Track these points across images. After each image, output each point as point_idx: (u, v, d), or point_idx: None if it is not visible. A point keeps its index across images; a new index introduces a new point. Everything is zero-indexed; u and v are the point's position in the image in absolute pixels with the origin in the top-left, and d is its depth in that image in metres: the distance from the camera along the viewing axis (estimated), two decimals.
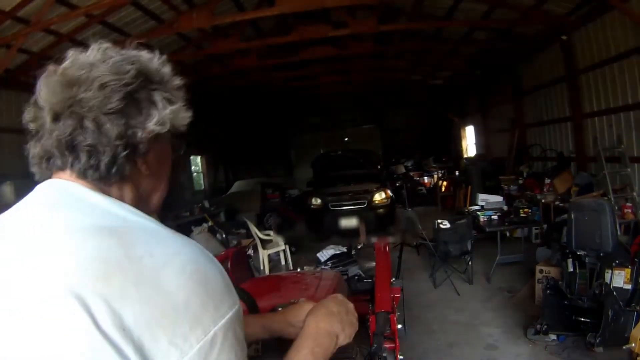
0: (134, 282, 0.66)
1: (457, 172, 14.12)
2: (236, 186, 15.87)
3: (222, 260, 3.78)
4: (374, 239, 3.77)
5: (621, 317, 3.85)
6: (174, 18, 8.04)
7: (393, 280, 3.07)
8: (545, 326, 4.26)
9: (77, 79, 0.76)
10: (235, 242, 10.36)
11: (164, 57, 0.87)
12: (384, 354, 2.56)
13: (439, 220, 6.75)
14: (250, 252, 8.18)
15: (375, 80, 14.58)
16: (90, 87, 0.75)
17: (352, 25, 7.98)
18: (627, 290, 4.06)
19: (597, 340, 3.86)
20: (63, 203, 0.75)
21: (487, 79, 12.13)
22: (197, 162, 17.16)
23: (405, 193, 11.92)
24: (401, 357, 2.77)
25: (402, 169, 17.02)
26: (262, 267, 8.02)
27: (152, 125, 0.78)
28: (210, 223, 10.53)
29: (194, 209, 10.93)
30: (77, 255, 0.67)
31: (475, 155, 14.39)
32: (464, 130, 16.49)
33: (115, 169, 0.76)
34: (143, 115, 0.78)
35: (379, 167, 12.71)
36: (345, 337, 1.02)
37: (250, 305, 1.54)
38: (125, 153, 0.76)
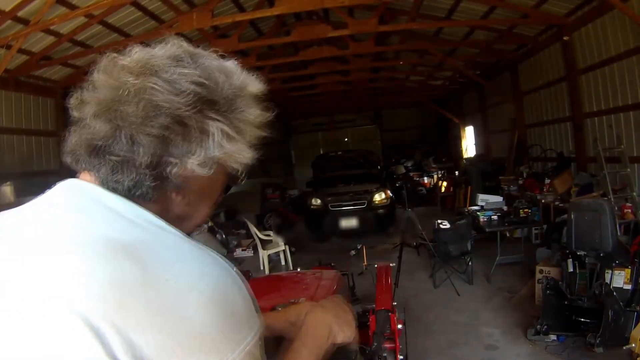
0: (154, 310, 0.59)
1: (457, 173, 14.11)
2: (236, 186, 15.84)
3: None
4: (375, 265, 3.78)
5: (621, 317, 3.85)
6: (173, 18, 8.04)
7: (395, 305, 3.07)
8: (545, 326, 4.27)
9: (126, 85, 0.66)
10: (235, 242, 10.37)
11: (252, 76, 0.73)
12: (384, 354, 2.55)
13: (439, 221, 6.74)
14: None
15: (375, 81, 14.57)
16: (136, 101, 0.65)
17: (352, 26, 7.97)
18: (627, 290, 4.06)
19: (597, 341, 3.86)
20: (75, 204, 0.67)
21: (487, 79, 12.12)
22: None
23: (405, 193, 11.89)
24: (401, 357, 2.76)
25: (402, 170, 17.01)
26: (262, 268, 8.02)
27: (194, 164, 0.66)
28: (210, 223, 10.51)
29: None
30: (87, 277, 0.59)
31: (475, 155, 14.38)
32: (464, 130, 16.49)
33: (139, 193, 0.67)
34: (187, 146, 0.66)
35: (378, 167, 12.71)
36: (343, 336, 1.01)
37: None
38: (152, 183, 0.66)
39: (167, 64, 0.68)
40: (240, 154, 0.71)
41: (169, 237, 0.67)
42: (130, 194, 0.68)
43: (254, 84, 0.73)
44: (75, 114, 0.71)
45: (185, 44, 0.72)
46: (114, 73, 0.69)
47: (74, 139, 0.71)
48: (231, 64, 0.73)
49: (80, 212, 0.66)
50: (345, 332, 1.01)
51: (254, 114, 0.72)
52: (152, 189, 0.67)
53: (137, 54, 0.71)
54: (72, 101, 0.72)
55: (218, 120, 0.67)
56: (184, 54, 0.70)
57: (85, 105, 0.70)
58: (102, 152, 0.67)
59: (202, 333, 0.61)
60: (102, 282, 0.59)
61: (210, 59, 0.72)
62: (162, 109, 0.65)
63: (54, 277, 0.59)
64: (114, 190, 0.68)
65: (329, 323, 1.00)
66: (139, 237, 0.64)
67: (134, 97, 0.65)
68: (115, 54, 0.72)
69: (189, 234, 0.75)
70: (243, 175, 0.81)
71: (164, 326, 0.59)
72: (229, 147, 0.68)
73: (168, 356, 0.59)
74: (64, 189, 0.71)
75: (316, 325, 0.99)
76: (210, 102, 0.67)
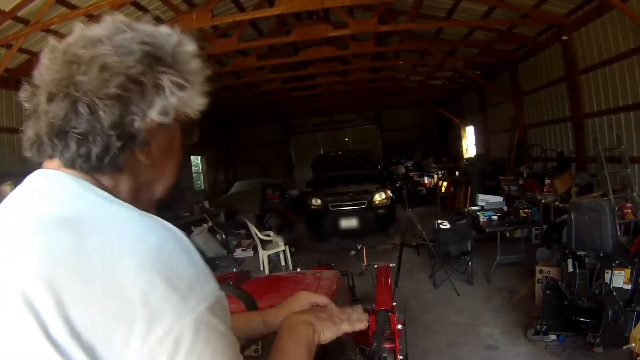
0: (84, 279, 0.59)
1: (457, 173, 14.11)
2: (236, 186, 15.87)
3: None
4: (375, 265, 3.77)
5: (621, 317, 3.85)
6: (173, 18, 8.04)
7: (394, 305, 3.06)
8: (545, 326, 4.27)
9: (77, 58, 0.68)
10: (235, 242, 10.37)
11: (186, 34, 0.78)
12: (384, 354, 2.55)
13: (439, 221, 6.74)
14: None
15: (375, 81, 14.58)
16: (89, 69, 0.67)
17: (352, 26, 7.97)
18: (626, 290, 4.07)
19: (597, 341, 3.86)
20: (38, 193, 0.69)
21: (487, 79, 12.13)
22: (197, 163, 17.16)
23: (405, 193, 11.90)
24: (401, 357, 2.76)
25: (402, 170, 17.02)
26: (262, 268, 8.02)
27: (154, 114, 0.69)
28: (210, 223, 10.53)
29: (194, 210, 10.93)
30: (27, 252, 0.61)
31: (475, 155, 14.39)
32: (464, 130, 16.49)
33: (108, 160, 0.69)
34: (145, 101, 0.69)
35: (379, 167, 12.71)
36: (322, 327, 0.98)
37: (250, 305, 1.54)
38: (119, 144, 0.68)
39: (111, 33, 0.72)
40: (193, 100, 0.74)
41: (119, 210, 0.68)
42: (101, 165, 0.69)
43: (189, 42, 0.77)
44: (27, 106, 0.73)
45: (120, 17, 0.76)
46: (61, 52, 0.71)
47: (31, 132, 0.72)
48: (166, 27, 0.78)
49: (36, 197, 0.68)
50: (323, 324, 0.99)
51: (197, 65, 0.76)
52: (120, 150, 0.69)
53: (78, 32, 0.73)
54: (23, 94, 0.73)
55: (168, 73, 0.71)
56: (122, 24, 0.74)
57: (36, 94, 0.71)
58: (64, 132, 0.68)
59: (138, 303, 0.59)
60: (38, 255, 0.60)
61: (146, 25, 0.77)
62: (115, 70, 0.67)
63: (7, 259, 0.62)
64: (83, 167, 0.70)
65: (310, 321, 0.99)
66: (84, 211, 0.65)
67: (87, 65, 0.67)
68: (55, 41, 0.74)
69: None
70: (196, 132, 0.84)
71: (100, 297, 0.58)
72: (182, 94, 0.72)
73: (103, 330, 0.58)
74: (32, 179, 0.72)
75: (298, 323, 0.98)
76: (157, 58, 0.71)
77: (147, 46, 0.71)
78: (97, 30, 0.73)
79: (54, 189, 0.69)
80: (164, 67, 0.71)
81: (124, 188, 0.74)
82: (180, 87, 0.72)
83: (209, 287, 0.66)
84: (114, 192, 0.72)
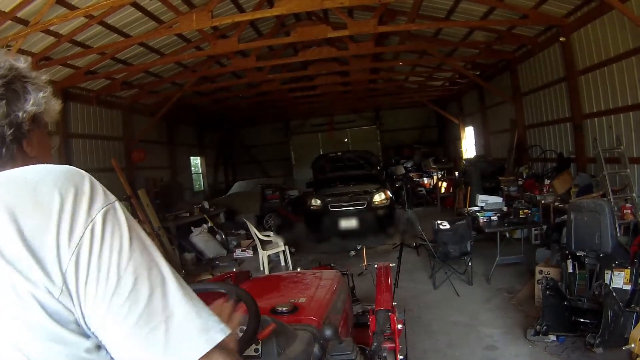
0: (24, 200, 0.79)
1: (456, 173, 14.12)
2: (236, 187, 15.88)
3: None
4: (375, 264, 3.76)
5: (621, 317, 3.85)
6: (173, 19, 8.04)
7: (395, 304, 3.06)
8: (545, 327, 4.27)
9: None
10: (234, 243, 10.38)
11: (29, 59, 1.00)
12: (384, 354, 2.55)
13: (439, 221, 6.75)
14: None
15: (375, 81, 14.59)
16: None
17: (351, 26, 7.97)
18: (626, 291, 4.06)
19: (597, 341, 3.87)
20: None
21: (486, 80, 12.14)
22: (196, 163, 17.16)
23: (405, 194, 11.92)
24: (401, 357, 2.76)
25: (401, 170, 17.03)
26: (261, 268, 8.02)
27: (30, 106, 0.93)
28: (209, 224, 10.54)
29: (194, 210, 10.92)
30: None
31: (475, 156, 14.38)
32: (464, 131, 16.50)
33: (5, 150, 0.90)
34: (21, 100, 0.92)
35: (378, 168, 12.72)
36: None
37: (250, 305, 1.54)
38: (11, 132, 0.90)
39: None
40: (52, 100, 1.00)
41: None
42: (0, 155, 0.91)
43: (24, 61, 0.98)
44: None
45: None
46: None
47: None
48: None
49: None
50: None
51: (43, 76, 1.00)
52: (13, 140, 0.91)
53: None
54: None
55: (30, 82, 0.95)
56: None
57: None
58: None
59: (60, 210, 0.79)
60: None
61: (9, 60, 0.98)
62: None
63: None
64: None
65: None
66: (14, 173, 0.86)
67: None
68: None
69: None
70: (57, 132, 1.05)
71: (35, 211, 0.79)
72: (42, 93, 0.97)
73: (43, 234, 0.77)
74: None
75: None
76: (19, 71, 0.94)
77: (9, 63, 0.94)
78: None
79: None
80: (26, 78, 0.95)
81: None
82: (39, 88, 0.96)
83: (108, 197, 0.86)
84: None
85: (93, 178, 0.87)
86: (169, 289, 0.81)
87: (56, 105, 1.03)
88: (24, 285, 0.74)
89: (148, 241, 0.86)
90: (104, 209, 0.82)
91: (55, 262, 0.76)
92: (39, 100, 0.96)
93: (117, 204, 0.86)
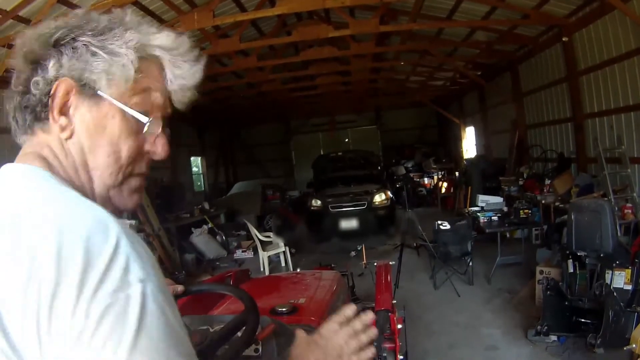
0: None
1: (457, 173, 14.10)
2: (236, 187, 15.87)
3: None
4: (375, 263, 3.76)
5: (622, 318, 3.84)
6: (175, 18, 8.04)
7: (394, 303, 3.05)
8: (546, 327, 4.26)
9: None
10: (235, 243, 10.37)
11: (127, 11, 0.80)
12: (384, 354, 2.55)
13: (439, 222, 6.74)
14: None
15: (376, 81, 14.57)
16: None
17: (352, 26, 7.97)
18: (627, 291, 4.06)
19: (598, 341, 3.86)
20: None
21: (487, 80, 12.12)
22: (197, 163, 17.16)
23: (405, 194, 11.90)
24: (401, 357, 2.76)
25: (402, 170, 17.02)
26: (262, 269, 8.02)
27: (64, 69, 0.73)
28: (210, 225, 10.53)
29: (194, 211, 10.92)
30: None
31: (476, 156, 14.37)
32: (464, 131, 16.49)
33: (39, 109, 0.74)
34: (53, 62, 0.73)
35: (379, 168, 12.71)
36: None
37: (250, 305, 1.54)
38: (45, 96, 0.73)
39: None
40: (116, 69, 0.74)
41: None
42: (37, 119, 0.75)
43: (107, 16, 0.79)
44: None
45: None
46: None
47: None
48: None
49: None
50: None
51: (129, 38, 0.75)
52: (44, 104, 0.73)
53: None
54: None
55: (85, 40, 0.73)
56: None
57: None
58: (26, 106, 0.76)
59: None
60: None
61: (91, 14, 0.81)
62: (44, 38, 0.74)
63: None
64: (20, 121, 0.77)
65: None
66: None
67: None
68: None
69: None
70: (150, 119, 0.78)
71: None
72: (94, 60, 0.73)
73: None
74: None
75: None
76: (76, 27, 0.75)
77: (73, 20, 0.77)
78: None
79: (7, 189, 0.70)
80: (84, 35, 0.74)
81: (63, 166, 0.76)
82: (94, 54, 0.73)
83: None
84: (60, 171, 0.75)
85: (124, 238, 0.61)
86: None
87: (123, 73, 0.75)
88: None
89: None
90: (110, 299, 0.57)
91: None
92: (76, 65, 0.73)
93: (139, 289, 0.59)
